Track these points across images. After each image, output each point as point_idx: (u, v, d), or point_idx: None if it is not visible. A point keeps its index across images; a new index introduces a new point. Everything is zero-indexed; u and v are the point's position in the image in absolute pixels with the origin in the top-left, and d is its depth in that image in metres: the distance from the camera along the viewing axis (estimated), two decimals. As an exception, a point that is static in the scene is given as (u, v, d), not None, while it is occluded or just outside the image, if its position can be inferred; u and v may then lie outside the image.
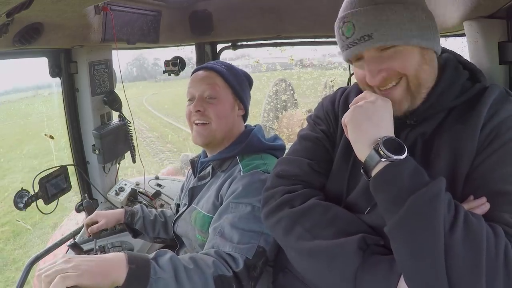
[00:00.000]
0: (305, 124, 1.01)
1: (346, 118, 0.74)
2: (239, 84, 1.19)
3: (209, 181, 1.19)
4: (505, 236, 0.62)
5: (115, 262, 0.75)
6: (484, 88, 0.75)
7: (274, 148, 1.18)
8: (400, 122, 0.77)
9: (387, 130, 0.70)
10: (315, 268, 0.76)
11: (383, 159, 0.65)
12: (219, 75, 1.16)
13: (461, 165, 0.70)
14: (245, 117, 1.25)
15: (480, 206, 0.66)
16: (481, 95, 0.73)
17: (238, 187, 1.02)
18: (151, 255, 0.82)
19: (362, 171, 0.71)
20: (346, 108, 0.89)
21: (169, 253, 0.84)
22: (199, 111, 1.12)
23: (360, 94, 0.76)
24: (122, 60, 1.56)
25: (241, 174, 1.06)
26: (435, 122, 0.76)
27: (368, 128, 0.70)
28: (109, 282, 0.73)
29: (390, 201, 0.65)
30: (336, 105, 0.94)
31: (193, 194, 1.23)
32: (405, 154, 0.65)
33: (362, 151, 0.70)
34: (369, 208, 0.78)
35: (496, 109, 0.71)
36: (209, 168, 1.20)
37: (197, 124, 1.15)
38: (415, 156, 0.74)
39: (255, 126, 1.24)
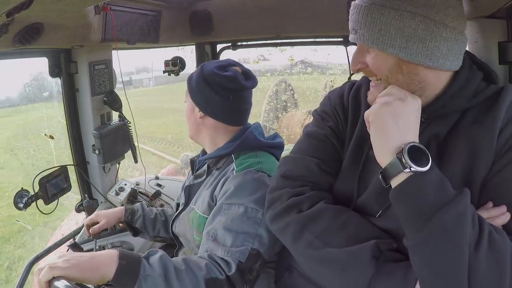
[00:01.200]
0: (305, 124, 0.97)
1: (370, 116, 0.69)
2: (192, 89, 1.14)
3: (204, 179, 1.18)
4: None
5: (106, 258, 0.77)
6: (500, 89, 0.72)
7: (271, 146, 1.16)
8: None
9: (413, 134, 0.66)
10: (327, 276, 0.73)
11: (405, 170, 0.61)
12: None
13: (478, 169, 0.67)
14: (221, 118, 1.13)
15: (500, 216, 0.64)
16: (497, 96, 0.70)
17: (230, 187, 1.00)
18: (144, 254, 0.83)
19: (380, 176, 0.67)
20: (357, 103, 0.86)
21: (160, 252, 0.84)
22: None
23: (387, 89, 0.71)
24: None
25: (234, 173, 1.05)
26: (449, 123, 0.73)
27: (393, 132, 0.65)
28: (99, 276, 0.75)
29: (413, 215, 0.61)
30: (345, 99, 0.88)
31: (189, 193, 1.22)
32: (429, 165, 0.61)
33: (383, 157, 0.66)
34: (381, 211, 0.74)
35: None
36: (205, 166, 1.20)
37: None
38: None
39: (253, 124, 1.22)
